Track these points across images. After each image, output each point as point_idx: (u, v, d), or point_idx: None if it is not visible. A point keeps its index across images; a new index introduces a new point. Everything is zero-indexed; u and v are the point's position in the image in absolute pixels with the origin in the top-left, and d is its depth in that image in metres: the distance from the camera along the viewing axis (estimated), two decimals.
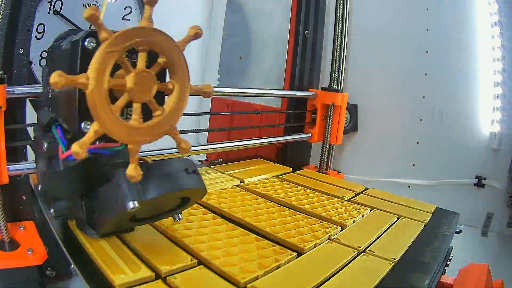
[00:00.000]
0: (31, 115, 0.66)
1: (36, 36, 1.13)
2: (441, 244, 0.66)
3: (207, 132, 1.39)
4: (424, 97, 1.35)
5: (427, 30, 1.32)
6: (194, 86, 0.45)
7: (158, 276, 0.46)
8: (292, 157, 1.16)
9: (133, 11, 1.36)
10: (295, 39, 1.15)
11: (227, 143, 0.92)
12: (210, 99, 1.37)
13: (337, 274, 0.51)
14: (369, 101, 1.41)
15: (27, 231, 0.60)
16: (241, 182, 0.87)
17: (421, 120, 1.36)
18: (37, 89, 0.62)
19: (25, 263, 0.55)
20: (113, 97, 0.39)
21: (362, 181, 1.20)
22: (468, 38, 1.28)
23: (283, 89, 1.20)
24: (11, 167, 0.57)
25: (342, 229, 0.66)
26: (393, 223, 0.72)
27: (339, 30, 1.10)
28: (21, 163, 0.60)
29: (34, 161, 0.57)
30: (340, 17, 1.10)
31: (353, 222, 0.70)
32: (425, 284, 0.51)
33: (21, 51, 0.59)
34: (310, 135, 1.13)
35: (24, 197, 0.62)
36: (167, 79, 0.45)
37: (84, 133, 0.40)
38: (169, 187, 0.45)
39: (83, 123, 0.43)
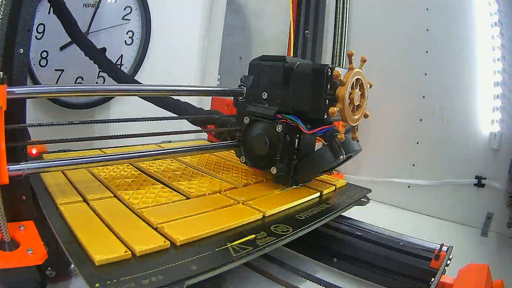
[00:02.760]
0: (31, 115, 0.66)
1: (36, 36, 1.13)
2: (327, 208, 0.75)
3: (206, 133, 1.39)
4: (424, 97, 1.35)
5: (427, 30, 1.32)
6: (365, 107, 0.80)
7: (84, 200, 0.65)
8: None
9: (133, 11, 1.36)
10: (295, 39, 1.15)
11: (227, 143, 0.92)
12: (210, 99, 1.37)
13: (209, 212, 0.64)
14: (369, 101, 1.41)
15: (27, 231, 0.60)
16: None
17: (421, 120, 1.36)
18: (37, 89, 0.62)
19: (25, 263, 0.55)
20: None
21: (362, 181, 1.20)
22: (468, 38, 1.28)
23: None
24: (11, 167, 0.57)
25: (235, 188, 0.79)
26: (289, 190, 0.82)
27: (339, 30, 1.10)
28: (21, 163, 0.60)
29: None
30: (340, 17, 1.10)
31: (252, 184, 0.83)
32: (285, 233, 0.61)
33: (21, 51, 0.59)
34: None
35: (24, 197, 0.62)
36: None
37: (324, 119, 0.72)
38: (353, 148, 0.78)
39: (325, 114, 0.72)
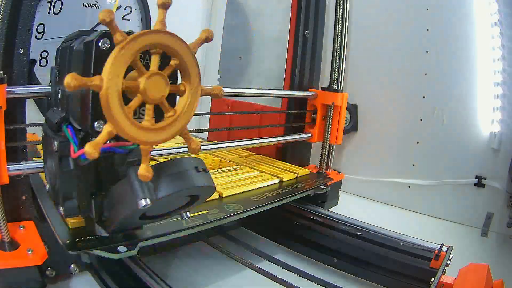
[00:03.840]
0: (31, 115, 0.66)
1: (36, 36, 1.13)
2: (284, 193, 0.79)
3: (207, 132, 1.39)
4: (424, 97, 1.35)
5: (427, 30, 1.32)
6: (204, 88, 0.46)
7: None
8: (292, 157, 1.16)
9: (133, 11, 1.36)
10: (295, 39, 1.15)
11: (227, 143, 0.92)
12: (210, 99, 1.37)
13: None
14: (369, 101, 1.41)
15: (27, 231, 0.60)
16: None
17: (421, 120, 1.36)
18: (37, 89, 0.62)
19: (25, 263, 0.55)
20: (125, 99, 0.40)
21: (362, 181, 1.20)
22: (468, 38, 1.28)
23: (283, 89, 1.20)
24: (11, 167, 0.57)
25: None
26: (251, 175, 0.88)
27: (339, 30, 1.10)
28: (21, 163, 0.60)
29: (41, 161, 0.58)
30: (340, 17, 1.10)
31: (217, 170, 0.88)
32: (235, 210, 0.65)
33: (21, 51, 0.59)
34: (310, 135, 1.13)
35: (24, 197, 0.62)
36: (179, 81, 0.46)
37: (97, 132, 0.42)
38: (180, 185, 0.46)
39: (96, 123, 0.44)
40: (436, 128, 1.33)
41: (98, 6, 1.23)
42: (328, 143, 1.13)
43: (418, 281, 0.73)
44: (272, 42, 1.44)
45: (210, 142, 1.05)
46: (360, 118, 1.43)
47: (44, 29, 1.13)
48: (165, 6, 0.41)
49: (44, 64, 1.17)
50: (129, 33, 0.39)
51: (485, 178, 1.28)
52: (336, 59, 1.12)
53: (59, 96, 0.54)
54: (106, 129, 0.39)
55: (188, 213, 0.54)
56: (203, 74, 1.64)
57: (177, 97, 0.46)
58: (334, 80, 1.12)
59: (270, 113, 1.21)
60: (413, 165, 1.39)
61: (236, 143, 0.95)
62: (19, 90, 0.58)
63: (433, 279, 0.66)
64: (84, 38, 0.47)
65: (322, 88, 1.14)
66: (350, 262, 0.81)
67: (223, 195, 0.74)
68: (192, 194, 0.50)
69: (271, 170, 0.95)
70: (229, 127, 1.26)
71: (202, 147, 0.89)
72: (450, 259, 0.72)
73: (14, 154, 0.60)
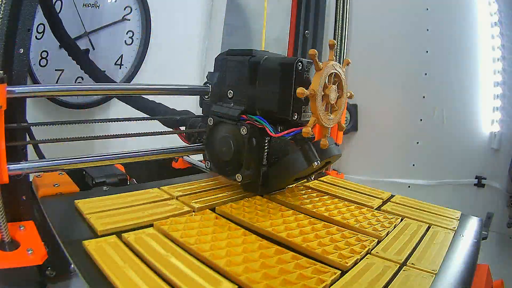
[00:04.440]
0: (31, 115, 0.66)
1: (36, 36, 1.13)
2: (472, 252, 0.66)
3: None
4: (424, 97, 1.35)
5: (427, 30, 1.32)
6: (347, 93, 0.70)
7: None
8: None
9: (133, 11, 1.36)
10: (295, 39, 1.15)
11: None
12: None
13: None
14: (369, 101, 1.42)
15: (27, 231, 0.60)
16: None
17: (421, 120, 1.36)
18: (37, 88, 0.62)
19: (25, 263, 0.54)
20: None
21: (362, 181, 1.20)
22: (468, 38, 1.28)
23: None
24: (11, 167, 0.57)
25: (378, 242, 0.63)
26: (425, 232, 0.70)
27: (339, 30, 1.10)
28: (21, 163, 0.60)
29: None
30: (340, 17, 1.10)
31: (387, 233, 0.67)
32: None
33: (21, 51, 0.59)
34: None
35: (24, 197, 0.62)
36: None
37: (294, 120, 0.65)
38: (331, 152, 0.68)
39: (294, 115, 0.65)
40: (436, 128, 1.33)
41: (98, 6, 1.23)
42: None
43: None
44: (272, 42, 1.44)
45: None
46: (360, 118, 1.43)
47: (44, 29, 1.13)
48: (332, 47, 0.65)
49: (44, 64, 1.17)
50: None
51: (485, 178, 1.28)
52: (336, 59, 1.12)
53: (230, 96, 0.72)
54: (312, 119, 0.62)
55: (312, 177, 0.77)
56: (204, 75, 1.64)
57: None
58: None
59: None
60: (413, 165, 1.39)
61: None
62: (19, 90, 0.58)
63: None
64: (267, 57, 0.69)
65: None
66: None
67: (436, 272, 0.56)
68: (328, 161, 0.70)
69: (431, 218, 0.78)
70: None
71: (201, 147, 0.88)
72: None
73: (14, 154, 0.60)
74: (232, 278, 0.47)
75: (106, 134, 0.70)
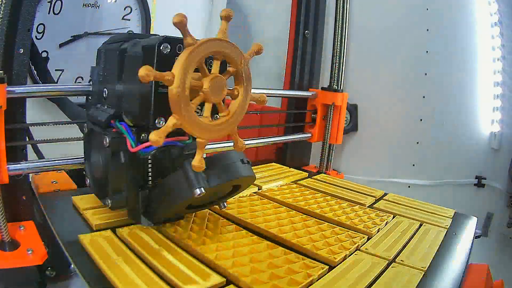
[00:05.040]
0: (31, 115, 0.66)
1: (36, 36, 1.13)
2: (463, 250, 0.67)
3: None
4: (424, 97, 1.35)
5: (427, 30, 1.32)
6: (252, 94, 0.51)
7: None
8: (292, 157, 1.16)
9: (133, 11, 1.36)
10: (295, 39, 1.15)
11: (227, 143, 0.92)
12: None
13: (372, 286, 0.50)
14: (369, 101, 1.41)
15: (27, 231, 0.60)
16: (259, 189, 0.84)
17: (421, 120, 1.36)
18: (37, 88, 0.62)
19: (25, 263, 0.54)
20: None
21: (362, 181, 1.20)
22: (468, 38, 1.28)
23: (283, 89, 1.20)
24: (11, 167, 0.57)
25: (368, 238, 0.64)
26: (417, 230, 0.71)
27: (339, 30, 1.10)
28: (21, 163, 0.60)
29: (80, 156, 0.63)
30: (340, 17, 1.10)
31: (378, 230, 0.68)
32: None
33: (21, 51, 0.59)
34: (310, 135, 1.13)
35: (24, 197, 0.62)
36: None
37: (157, 128, 0.46)
38: (229, 175, 0.51)
39: (157, 119, 0.49)
40: (436, 128, 1.33)
41: (98, 6, 1.23)
42: (328, 143, 1.13)
43: None
44: (272, 42, 1.44)
45: (210, 143, 1.05)
46: (360, 118, 1.43)
47: (44, 29, 1.13)
48: (227, 19, 0.47)
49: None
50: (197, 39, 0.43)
51: (485, 178, 1.28)
52: (336, 59, 1.12)
53: (105, 95, 0.57)
54: (171, 121, 0.42)
55: (225, 203, 0.59)
56: None
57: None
58: (334, 80, 1.12)
59: (270, 113, 1.21)
60: (413, 165, 1.39)
61: None
62: (19, 90, 0.58)
63: None
64: (137, 41, 0.52)
65: (322, 88, 1.14)
66: None
67: (425, 270, 0.55)
68: (236, 184, 0.54)
69: (423, 216, 0.78)
70: None
71: (215, 147, 0.88)
72: None
73: (14, 154, 0.60)
74: (221, 271, 0.48)
75: None
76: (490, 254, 1.24)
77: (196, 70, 0.44)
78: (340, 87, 1.13)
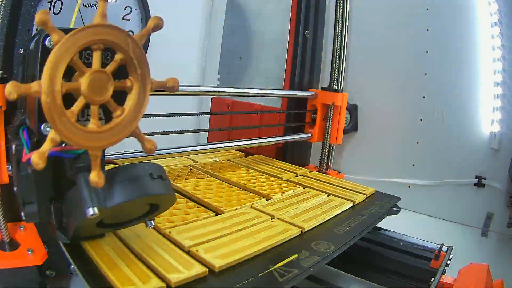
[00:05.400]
0: None
1: None
2: (363, 221, 0.69)
3: (207, 132, 1.39)
4: (424, 97, 1.35)
5: (427, 30, 1.32)
6: (156, 81, 0.42)
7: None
8: (292, 157, 1.16)
9: (133, 11, 1.36)
10: (295, 39, 1.15)
11: (227, 143, 0.92)
12: (210, 99, 1.37)
13: (241, 231, 0.58)
14: (369, 101, 1.41)
15: (27, 231, 0.60)
16: (194, 163, 0.97)
17: (421, 120, 1.36)
18: None
19: (25, 263, 0.54)
20: (71, 102, 0.37)
21: (362, 181, 1.20)
22: (468, 38, 1.28)
23: (283, 89, 1.20)
24: (11, 166, 0.57)
25: (266, 200, 0.72)
26: (321, 200, 0.76)
27: (339, 30, 1.10)
28: None
29: None
30: (340, 17, 1.10)
31: (280, 195, 0.75)
32: (329, 251, 0.55)
33: (21, 51, 0.59)
34: (310, 135, 1.13)
35: None
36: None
37: (44, 136, 0.39)
38: (132, 193, 0.42)
39: (42, 125, 0.41)
40: (436, 128, 1.33)
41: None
42: (328, 143, 1.13)
43: (418, 281, 0.73)
44: (272, 42, 1.44)
45: (210, 143, 1.05)
46: (360, 118, 1.43)
47: None
48: None
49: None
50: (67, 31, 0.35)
51: (485, 178, 1.28)
52: (336, 59, 1.12)
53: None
54: (49, 136, 0.36)
55: (152, 221, 0.50)
56: (204, 75, 1.64)
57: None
58: (334, 80, 1.13)
59: (270, 113, 1.21)
60: (413, 165, 1.39)
61: (236, 143, 0.95)
62: None
63: (433, 279, 0.66)
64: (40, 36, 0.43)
65: (322, 88, 1.14)
66: (350, 262, 0.81)
67: (305, 230, 0.61)
68: (150, 203, 0.47)
69: (336, 191, 0.83)
70: (229, 127, 1.26)
71: (201, 148, 0.89)
72: (450, 259, 0.72)
73: None
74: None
75: None
76: (490, 254, 1.24)
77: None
78: (340, 87, 1.13)
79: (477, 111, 1.29)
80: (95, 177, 0.38)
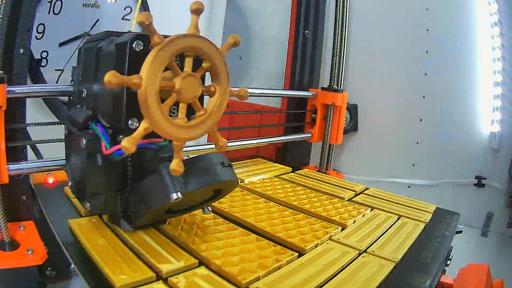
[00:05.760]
0: (31, 115, 0.66)
1: (36, 36, 1.13)
2: (441, 244, 0.66)
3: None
4: (424, 97, 1.35)
5: (427, 30, 1.32)
6: (231, 90, 0.48)
7: (159, 276, 0.46)
8: (292, 157, 1.16)
9: (133, 11, 1.36)
10: (295, 39, 1.15)
11: (227, 143, 0.92)
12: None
13: (339, 274, 0.51)
14: (369, 101, 1.41)
15: (27, 231, 0.60)
16: (241, 182, 0.86)
17: (421, 120, 1.36)
18: (37, 89, 0.62)
19: (25, 263, 0.54)
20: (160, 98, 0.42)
21: (362, 181, 1.20)
22: (468, 38, 1.28)
23: (283, 89, 1.20)
24: (11, 167, 0.57)
25: (342, 229, 0.66)
26: (394, 223, 0.71)
27: (339, 30, 1.10)
28: (21, 163, 0.60)
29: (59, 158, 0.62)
30: (340, 17, 1.10)
31: (354, 222, 0.69)
32: (425, 285, 0.51)
33: (21, 51, 0.59)
34: (310, 135, 1.13)
35: (24, 197, 0.62)
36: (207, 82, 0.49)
37: (130, 129, 0.45)
38: (208, 179, 0.49)
39: (130, 120, 0.46)
40: (436, 128, 1.33)
41: (98, 6, 1.23)
42: (328, 143, 1.13)
43: None
44: (272, 42, 1.44)
45: (210, 143, 1.05)
46: (360, 118, 1.43)
47: (44, 29, 1.13)
48: (198, 12, 0.43)
49: (44, 64, 1.17)
50: (165, 36, 0.41)
51: (485, 178, 1.28)
52: (336, 59, 1.12)
53: (84, 95, 0.55)
54: (143, 125, 0.40)
55: (209, 207, 0.56)
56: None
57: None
58: (334, 80, 1.13)
59: (270, 113, 1.21)
60: (413, 165, 1.39)
61: (235, 143, 0.95)
62: (19, 90, 0.58)
63: None
64: (112, 39, 0.50)
65: (322, 88, 1.14)
66: None
67: (396, 262, 0.56)
68: (217, 188, 0.53)
69: (402, 210, 0.78)
70: (229, 127, 1.26)
71: (201, 147, 0.89)
72: (450, 259, 0.72)
73: (14, 154, 0.60)
74: (195, 254, 0.51)
75: None
76: (490, 254, 1.24)
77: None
78: (340, 87, 1.13)
79: (477, 111, 1.29)
80: (177, 166, 0.43)
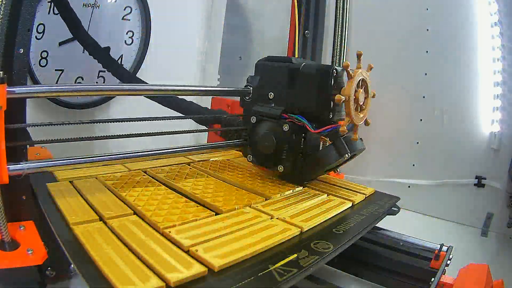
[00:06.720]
0: (31, 115, 0.66)
1: (36, 36, 1.13)
2: (363, 221, 0.70)
3: (207, 132, 1.39)
4: (424, 97, 1.35)
5: (427, 30, 1.32)
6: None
7: (101, 219, 0.58)
8: None
9: (133, 11, 1.36)
10: (295, 39, 1.15)
11: (226, 143, 0.92)
12: (210, 98, 1.37)
13: (241, 230, 0.58)
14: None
15: (27, 231, 0.60)
16: (193, 162, 0.96)
17: (421, 120, 1.36)
18: (37, 89, 0.62)
19: (25, 263, 0.54)
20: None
21: (362, 181, 1.20)
22: (468, 38, 1.28)
23: None
24: (11, 167, 0.57)
25: (266, 200, 0.73)
26: (319, 200, 0.76)
27: (339, 30, 1.10)
28: (21, 163, 0.60)
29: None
30: (340, 17, 1.10)
31: (280, 195, 0.75)
32: (327, 250, 0.56)
33: (21, 51, 0.59)
34: None
35: (24, 197, 0.62)
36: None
37: (331, 120, 0.74)
38: (359, 146, 0.79)
39: (331, 115, 0.75)
40: (436, 128, 1.34)
41: (98, 6, 1.23)
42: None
43: (418, 281, 0.73)
44: (272, 42, 1.44)
45: (209, 143, 1.05)
46: None
47: (44, 29, 1.13)
48: (359, 57, 0.73)
49: (44, 64, 1.18)
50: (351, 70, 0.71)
51: (485, 178, 1.28)
52: (336, 58, 1.12)
53: (271, 97, 0.82)
54: (347, 119, 0.71)
55: (339, 168, 0.93)
56: (204, 75, 1.64)
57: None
58: None
59: None
60: (413, 165, 1.39)
61: (236, 143, 0.95)
62: (19, 90, 0.58)
63: (433, 279, 0.66)
64: (307, 65, 0.79)
65: None
66: (350, 262, 0.81)
67: (304, 230, 0.62)
68: (356, 154, 0.80)
69: (335, 191, 0.83)
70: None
71: (201, 147, 0.89)
72: (450, 259, 0.72)
73: (14, 154, 0.60)
74: (133, 208, 0.63)
75: (108, 135, 0.70)
76: (490, 254, 1.24)
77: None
78: None
79: (477, 111, 1.29)
80: (355, 137, 0.75)
